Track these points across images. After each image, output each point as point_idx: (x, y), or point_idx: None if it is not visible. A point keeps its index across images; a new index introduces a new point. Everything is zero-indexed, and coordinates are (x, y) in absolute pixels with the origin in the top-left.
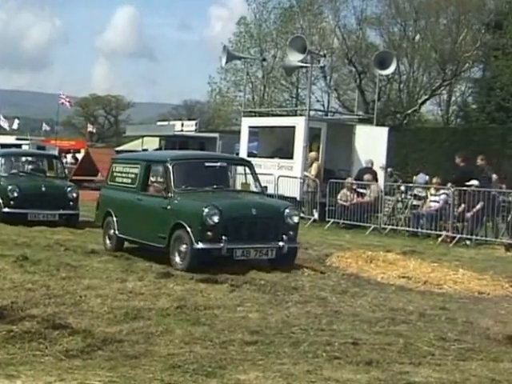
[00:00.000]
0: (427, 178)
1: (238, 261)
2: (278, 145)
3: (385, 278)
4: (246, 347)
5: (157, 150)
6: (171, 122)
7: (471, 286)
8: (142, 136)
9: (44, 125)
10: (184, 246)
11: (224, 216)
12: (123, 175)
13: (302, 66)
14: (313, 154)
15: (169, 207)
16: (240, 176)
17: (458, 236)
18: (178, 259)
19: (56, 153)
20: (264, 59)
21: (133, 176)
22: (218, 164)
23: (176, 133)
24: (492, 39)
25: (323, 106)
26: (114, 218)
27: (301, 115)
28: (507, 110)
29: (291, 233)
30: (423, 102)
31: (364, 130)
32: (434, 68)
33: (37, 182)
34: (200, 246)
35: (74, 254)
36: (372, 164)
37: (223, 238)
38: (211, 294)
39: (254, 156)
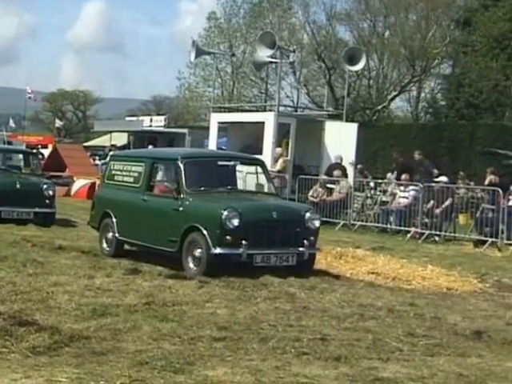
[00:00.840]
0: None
1: (258, 267)
2: (248, 140)
3: (354, 273)
4: (215, 343)
5: (125, 146)
6: (140, 118)
7: (440, 282)
8: (111, 131)
9: (10, 121)
10: (199, 250)
11: (244, 219)
12: (124, 173)
13: (271, 62)
14: (279, 149)
15: (181, 209)
16: (251, 176)
17: (427, 232)
18: (191, 264)
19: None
20: (233, 54)
21: (135, 175)
22: (232, 163)
23: (145, 128)
24: (461, 36)
25: (293, 101)
26: (114, 220)
27: (270, 111)
28: (476, 106)
29: (312, 238)
30: (393, 98)
31: (333, 125)
32: (403, 64)
33: (11, 178)
34: (218, 250)
35: (41, 250)
36: (341, 160)
37: (243, 242)
38: (179, 290)
39: None
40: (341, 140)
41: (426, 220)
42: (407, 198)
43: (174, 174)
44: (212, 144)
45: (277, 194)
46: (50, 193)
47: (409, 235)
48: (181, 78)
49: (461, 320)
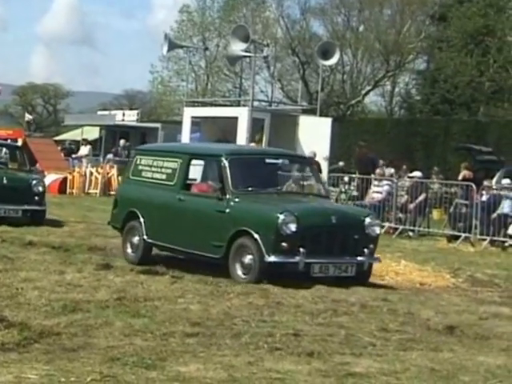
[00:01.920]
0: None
1: (315, 278)
2: (221, 135)
3: None
4: (187, 339)
5: (96, 140)
6: (112, 112)
7: (413, 277)
8: (82, 125)
9: None
10: (249, 256)
11: (301, 224)
12: (153, 169)
13: (245, 56)
14: (253, 144)
15: (227, 211)
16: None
17: (401, 227)
18: (239, 272)
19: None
20: (206, 48)
21: (169, 171)
22: (280, 161)
23: (117, 123)
24: (436, 31)
25: (267, 96)
26: (142, 220)
27: (244, 106)
28: (451, 102)
29: (371, 246)
30: (367, 93)
31: (307, 120)
32: (377, 59)
33: None
34: (272, 258)
35: (10, 245)
36: (315, 155)
37: (300, 250)
38: (152, 285)
39: None
40: (315, 135)
41: (400, 215)
42: (381, 192)
43: (217, 172)
44: (185, 139)
45: (328, 196)
46: (40, 189)
47: (382, 230)
48: (153, 71)
49: (434, 315)
